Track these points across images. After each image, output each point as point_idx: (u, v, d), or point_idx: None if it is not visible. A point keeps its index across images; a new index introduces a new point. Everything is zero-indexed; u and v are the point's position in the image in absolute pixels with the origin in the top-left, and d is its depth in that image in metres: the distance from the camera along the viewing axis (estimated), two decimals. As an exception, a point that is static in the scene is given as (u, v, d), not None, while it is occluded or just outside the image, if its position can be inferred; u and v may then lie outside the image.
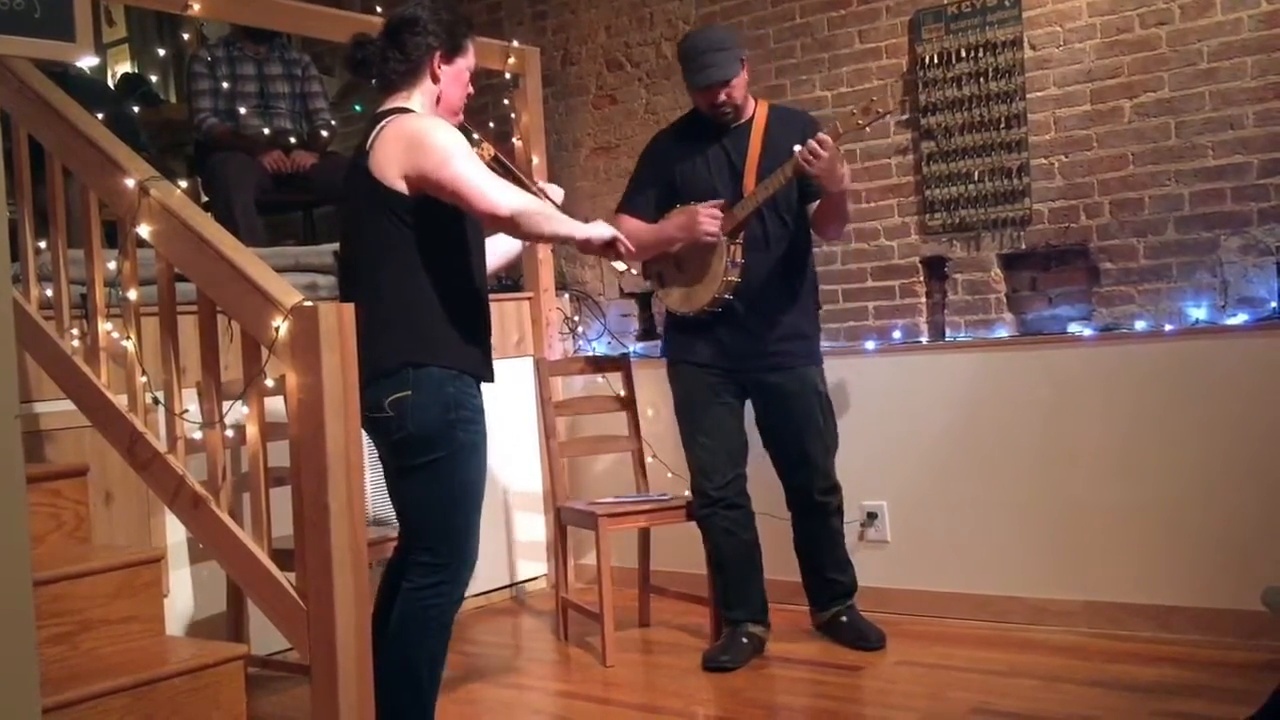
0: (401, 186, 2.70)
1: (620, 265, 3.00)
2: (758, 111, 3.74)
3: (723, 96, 3.62)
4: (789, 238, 3.72)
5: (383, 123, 2.76)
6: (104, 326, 3.15)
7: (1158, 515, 3.71)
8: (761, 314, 3.69)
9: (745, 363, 3.71)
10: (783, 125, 3.68)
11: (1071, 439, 3.86)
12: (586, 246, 2.90)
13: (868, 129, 3.76)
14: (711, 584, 3.89)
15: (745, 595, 3.78)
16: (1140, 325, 3.83)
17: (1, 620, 2.01)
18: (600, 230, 2.88)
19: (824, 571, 3.87)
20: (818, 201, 3.69)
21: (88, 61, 3.20)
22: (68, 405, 3.20)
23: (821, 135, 3.39)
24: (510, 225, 2.77)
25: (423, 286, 2.73)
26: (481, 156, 2.89)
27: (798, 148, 3.40)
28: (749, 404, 3.82)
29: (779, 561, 3.94)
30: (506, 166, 3.00)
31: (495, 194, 2.69)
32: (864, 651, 3.72)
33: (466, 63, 2.91)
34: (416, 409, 2.68)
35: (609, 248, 2.89)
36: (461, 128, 2.87)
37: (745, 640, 3.71)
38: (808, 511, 3.83)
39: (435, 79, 2.85)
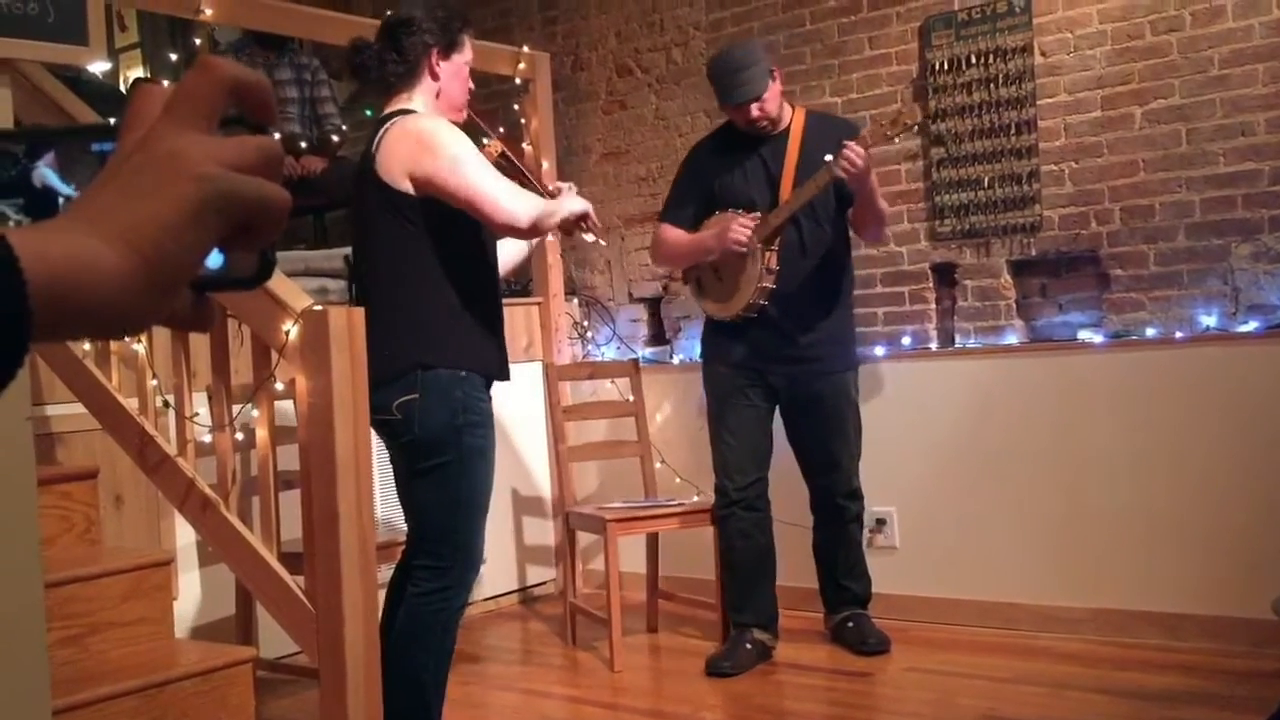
0: (407, 187, 2.69)
1: (590, 237, 2.97)
2: (794, 119, 3.75)
3: (756, 111, 3.63)
4: (827, 244, 3.73)
5: (386, 125, 2.76)
6: (115, 329, 3.16)
7: (1167, 522, 3.70)
8: (797, 318, 3.70)
9: (778, 365, 3.72)
10: (820, 133, 3.67)
11: (1081, 446, 3.85)
12: (566, 224, 2.87)
13: (896, 140, 3.76)
14: (720, 588, 3.89)
15: (754, 599, 3.78)
16: (1150, 332, 3.82)
17: (13, 622, 2.02)
18: (574, 205, 2.86)
19: (837, 577, 3.90)
20: (853, 206, 3.71)
21: (100, 66, 3.21)
22: (78, 408, 3.21)
23: (854, 145, 3.41)
24: (528, 233, 2.80)
25: (432, 287, 2.72)
26: (489, 153, 2.89)
27: (829, 158, 3.43)
28: (777, 408, 3.83)
29: (793, 567, 3.95)
30: (514, 164, 3.00)
31: (513, 204, 2.68)
32: (867, 656, 3.73)
33: (464, 58, 2.89)
34: (424, 413, 2.68)
35: (581, 221, 2.87)
36: (470, 124, 2.87)
37: (749, 646, 3.71)
38: (827, 514, 3.86)
39: (435, 77, 2.84)
